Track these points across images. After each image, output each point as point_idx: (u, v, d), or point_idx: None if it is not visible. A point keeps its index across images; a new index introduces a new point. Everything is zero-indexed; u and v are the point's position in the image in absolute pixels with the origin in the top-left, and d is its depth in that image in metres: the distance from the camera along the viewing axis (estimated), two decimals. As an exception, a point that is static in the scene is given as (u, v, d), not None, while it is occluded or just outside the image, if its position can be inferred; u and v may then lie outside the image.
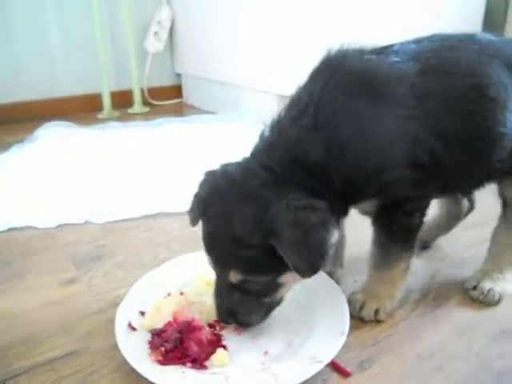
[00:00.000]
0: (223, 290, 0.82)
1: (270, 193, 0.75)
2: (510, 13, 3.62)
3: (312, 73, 0.86)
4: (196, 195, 0.85)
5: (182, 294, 0.94)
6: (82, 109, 2.74)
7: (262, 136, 0.85)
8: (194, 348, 0.80)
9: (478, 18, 3.11)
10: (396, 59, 0.84)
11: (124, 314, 0.89)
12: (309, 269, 0.75)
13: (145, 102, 2.89)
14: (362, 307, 0.94)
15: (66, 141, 2.11)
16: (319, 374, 0.80)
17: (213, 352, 0.81)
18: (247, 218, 0.75)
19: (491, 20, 3.85)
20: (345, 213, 0.88)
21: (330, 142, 0.78)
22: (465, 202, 1.19)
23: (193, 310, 0.88)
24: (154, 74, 2.97)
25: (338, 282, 1.05)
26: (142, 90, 2.88)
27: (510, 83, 0.88)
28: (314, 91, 0.82)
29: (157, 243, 1.29)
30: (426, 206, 0.89)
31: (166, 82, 3.05)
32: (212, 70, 2.69)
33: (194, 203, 0.85)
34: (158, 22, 2.83)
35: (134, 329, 0.86)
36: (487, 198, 1.08)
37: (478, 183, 0.99)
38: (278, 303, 0.86)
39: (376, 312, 0.93)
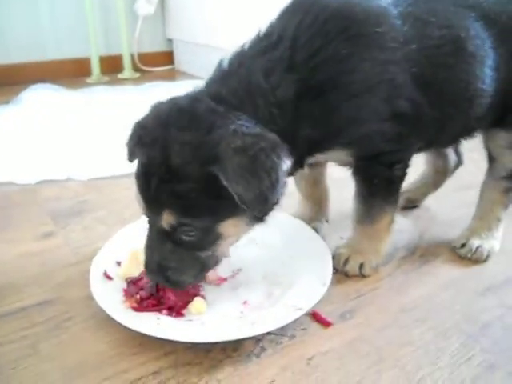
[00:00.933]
0: (154, 240, 0.72)
1: (216, 117, 0.67)
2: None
3: (285, 8, 0.80)
4: (136, 123, 0.75)
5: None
6: (70, 73, 2.68)
7: (218, 67, 0.77)
8: (170, 296, 0.78)
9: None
10: (374, 2, 0.80)
11: (100, 264, 0.86)
12: (258, 200, 0.64)
13: (135, 68, 2.83)
14: (346, 261, 0.91)
15: (51, 102, 2.05)
16: (299, 323, 0.78)
17: (190, 301, 0.79)
18: (185, 143, 0.66)
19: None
20: (301, 164, 0.81)
21: (304, 84, 0.73)
22: (452, 156, 1.16)
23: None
24: (145, 38, 2.89)
25: (323, 238, 1.03)
26: (132, 55, 2.81)
27: (487, 37, 0.85)
28: (288, 26, 0.75)
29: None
30: (407, 157, 0.86)
31: (157, 47, 2.98)
32: (205, 36, 2.61)
33: (132, 133, 0.75)
34: (150, -16, 2.74)
35: (109, 278, 0.84)
36: (478, 161, 1.06)
37: (459, 136, 0.97)
38: (216, 261, 0.76)
39: (361, 266, 0.91)
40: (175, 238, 0.70)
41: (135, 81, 2.71)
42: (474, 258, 0.97)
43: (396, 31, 0.78)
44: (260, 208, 0.67)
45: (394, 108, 0.78)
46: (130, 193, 1.29)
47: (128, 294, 0.79)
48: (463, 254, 0.98)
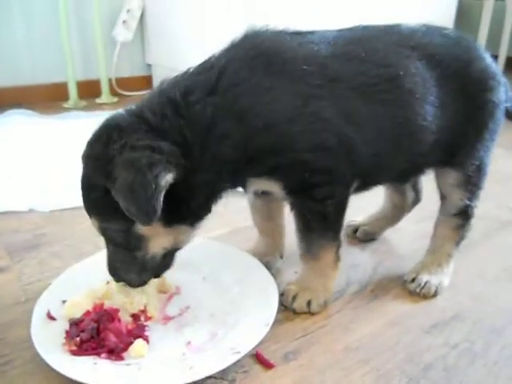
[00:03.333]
0: (105, 244, 0.82)
1: (116, 132, 0.73)
2: (484, 13, 3.64)
3: (230, 42, 0.84)
4: None
5: (108, 282, 0.90)
6: (47, 98, 2.67)
7: (160, 83, 0.82)
8: (111, 338, 0.77)
9: (450, 17, 3.12)
10: (311, 40, 0.83)
11: (44, 304, 0.85)
12: (139, 213, 0.70)
13: (113, 92, 2.83)
14: (294, 298, 0.91)
15: (24, 129, 2.05)
16: (241, 365, 0.78)
17: (132, 343, 0.78)
18: (89, 157, 0.75)
19: (465, 19, 3.87)
20: (233, 184, 0.84)
21: (225, 109, 0.76)
22: (410, 193, 1.17)
23: (117, 299, 0.85)
24: (124, 63, 2.91)
25: (277, 273, 1.04)
26: (110, 80, 2.82)
27: (431, 76, 0.87)
28: (222, 57, 0.81)
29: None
30: (340, 193, 0.85)
31: (136, 72, 2.99)
32: (183, 61, 2.62)
33: None
34: (128, 11, 2.77)
35: (52, 318, 0.83)
36: (434, 192, 1.07)
37: (406, 173, 0.98)
38: (153, 260, 0.81)
39: (308, 303, 0.91)
40: (111, 240, 0.80)
41: (113, 105, 2.72)
42: (423, 293, 0.97)
43: (325, 69, 0.81)
44: (143, 220, 0.71)
45: (318, 141, 0.80)
46: (92, 225, 1.32)
47: (69, 336, 0.78)
48: (412, 288, 0.98)
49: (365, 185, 0.93)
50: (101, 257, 0.99)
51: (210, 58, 0.83)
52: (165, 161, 0.71)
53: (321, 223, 0.86)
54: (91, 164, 0.75)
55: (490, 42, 3.70)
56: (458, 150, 0.93)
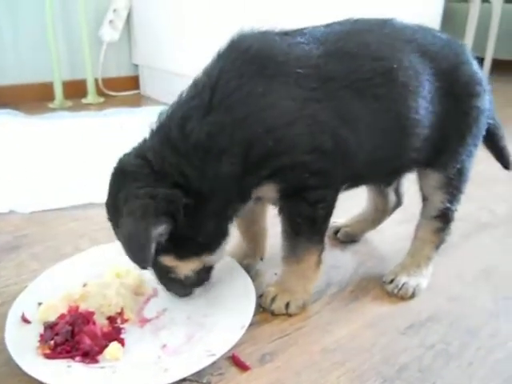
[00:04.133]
0: None
1: (123, 179, 0.78)
2: (470, 16, 3.67)
3: (216, 53, 0.83)
4: None
5: (84, 285, 0.90)
6: (32, 97, 2.65)
7: (157, 118, 0.82)
8: (85, 341, 0.77)
9: (436, 19, 3.14)
10: (301, 40, 0.81)
11: (20, 306, 0.84)
12: (134, 259, 0.75)
13: (100, 93, 2.82)
14: (273, 300, 0.91)
15: (6, 129, 2.03)
16: (217, 367, 0.78)
17: (107, 345, 0.78)
18: (108, 205, 0.82)
19: (451, 22, 3.90)
20: (242, 199, 0.84)
21: (220, 123, 0.76)
22: (392, 197, 1.18)
23: (93, 302, 0.84)
24: (110, 63, 2.90)
25: (256, 275, 1.04)
26: (97, 80, 2.80)
27: (423, 70, 0.87)
28: (212, 73, 0.79)
29: (80, 234, 1.24)
30: (331, 196, 0.86)
31: (123, 72, 2.98)
32: (170, 62, 2.63)
33: None
34: (114, 10, 2.76)
35: (27, 321, 0.82)
36: (417, 194, 1.08)
37: (394, 173, 0.99)
38: (188, 279, 0.86)
39: (287, 305, 0.91)
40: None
41: (99, 106, 2.70)
42: (400, 295, 0.98)
43: (319, 71, 0.80)
44: (138, 265, 0.76)
45: (316, 143, 0.79)
46: (74, 226, 1.31)
47: (43, 339, 0.78)
48: (390, 289, 0.99)
49: (353, 185, 0.93)
50: (78, 259, 1.00)
51: (201, 75, 0.81)
52: (159, 212, 0.73)
53: (309, 227, 0.86)
54: (109, 204, 0.81)
55: (476, 45, 3.74)
56: (442, 151, 0.93)
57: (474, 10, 3.58)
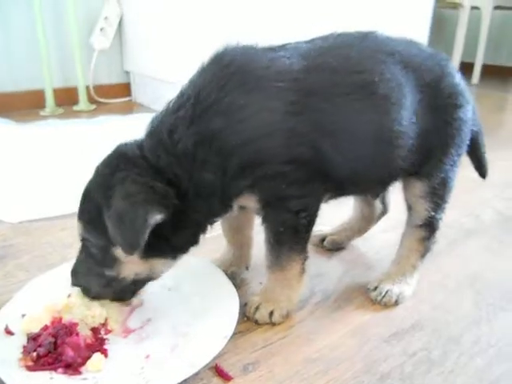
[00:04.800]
0: (80, 248, 0.87)
1: (124, 162, 0.80)
2: (460, 22, 3.71)
3: (200, 66, 0.85)
4: None
5: (69, 296, 0.90)
6: (23, 105, 2.65)
7: (150, 122, 0.86)
8: (69, 353, 0.77)
9: (425, 25, 3.17)
10: (282, 55, 0.83)
11: (3, 318, 0.84)
12: (123, 243, 0.75)
13: (91, 100, 2.82)
14: (257, 309, 0.92)
15: (-3, 137, 2.03)
16: (199, 378, 0.78)
17: (90, 356, 0.78)
18: (98, 175, 0.82)
19: (441, 28, 3.94)
20: (224, 208, 0.86)
21: (200, 134, 0.79)
22: (378, 205, 1.19)
23: (77, 313, 0.84)
24: (102, 71, 2.90)
25: (242, 284, 1.04)
26: (88, 88, 2.81)
27: (406, 82, 0.88)
28: (195, 85, 0.82)
29: (68, 243, 1.24)
30: (312, 205, 0.87)
31: (114, 79, 2.99)
32: (161, 69, 2.64)
33: None
34: (105, 18, 2.77)
35: (10, 333, 0.82)
36: (402, 202, 1.08)
37: (379, 184, 0.99)
38: (122, 283, 0.84)
39: (271, 314, 0.91)
40: (87, 250, 0.84)
41: (91, 113, 2.71)
42: (383, 302, 0.99)
43: (299, 85, 0.81)
44: (125, 249, 0.75)
45: (294, 154, 0.81)
46: (62, 235, 1.31)
47: (26, 351, 0.78)
48: (373, 297, 1.00)
49: (338, 195, 0.95)
50: (63, 270, 0.99)
51: (186, 86, 0.84)
52: (157, 201, 0.75)
53: (292, 236, 0.87)
54: (97, 181, 0.81)
55: (466, 51, 3.78)
56: (426, 161, 0.94)
57: (464, 16, 3.62)
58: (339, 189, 0.92)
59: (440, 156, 0.95)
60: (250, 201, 0.85)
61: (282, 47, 0.86)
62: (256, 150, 0.79)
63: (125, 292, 0.87)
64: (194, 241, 0.86)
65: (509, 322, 0.96)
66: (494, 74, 4.10)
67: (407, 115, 0.87)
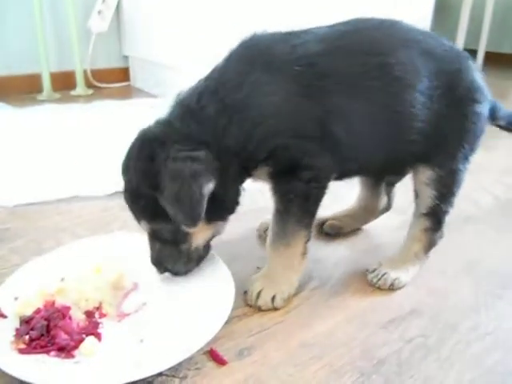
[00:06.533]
0: (150, 241, 0.90)
1: (157, 145, 0.81)
2: (463, 8, 3.66)
3: (229, 52, 0.90)
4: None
5: (62, 279, 0.89)
6: (20, 89, 2.63)
7: (177, 95, 0.89)
8: (61, 336, 0.76)
9: (428, 11, 3.13)
10: (303, 40, 0.87)
11: (-5, 300, 0.83)
12: (185, 219, 0.79)
13: (89, 84, 2.80)
14: (258, 295, 0.91)
15: (-7, 121, 2.01)
16: (193, 362, 0.77)
17: (84, 340, 0.77)
18: (138, 171, 0.83)
19: (444, 14, 3.88)
20: (245, 176, 0.90)
21: (223, 102, 0.83)
22: (383, 200, 1.18)
23: (70, 297, 0.84)
24: (100, 55, 2.87)
25: (241, 270, 1.03)
26: (86, 72, 2.78)
27: (423, 67, 0.88)
28: (223, 65, 0.89)
29: (62, 228, 1.23)
30: (323, 177, 0.88)
31: (113, 63, 2.96)
32: (160, 53, 2.61)
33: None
34: (103, 1, 2.73)
35: (3, 316, 0.81)
36: (405, 189, 1.08)
37: (389, 167, 1.00)
38: (196, 251, 0.90)
39: (273, 299, 0.91)
40: (159, 238, 0.88)
41: (88, 98, 2.68)
42: (378, 285, 0.98)
43: (315, 69, 0.85)
44: (189, 224, 0.80)
45: (305, 131, 0.85)
46: (57, 219, 1.30)
47: (18, 334, 0.77)
48: (370, 278, 1.00)
49: (348, 173, 0.97)
50: (56, 253, 0.99)
51: (213, 69, 0.90)
52: (204, 170, 0.79)
53: (301, 206, 0.88)
54: (139, 177, 0.82)
55: (469, 38, 3.73)
56: (437, 150, 0.94)
57: (467, 2, 3.56)
58: (350, 167, 0.94)
59: (452, 147, 0.95)
60: (263, 173, 0.88)
61: (304, 32, 0.89)
62: (271, 124, 0.83)
63: (203, 254, 0.93)
64: (237, 201, 0.90)
65: (506, 309, 0.95)
66: (497, 61, 4.05)
67: (421, 99, 0.88)
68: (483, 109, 0.95)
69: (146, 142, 0.84)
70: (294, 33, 0.90)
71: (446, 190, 0.98)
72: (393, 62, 0.86)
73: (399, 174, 1.10)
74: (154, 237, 0.89)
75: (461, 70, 0.93)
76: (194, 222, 0.79)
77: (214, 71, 0.89)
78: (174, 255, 0.89)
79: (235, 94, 0.83)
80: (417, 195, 1.01)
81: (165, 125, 0.85)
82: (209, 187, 0.79)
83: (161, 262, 0.90)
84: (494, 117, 1.00)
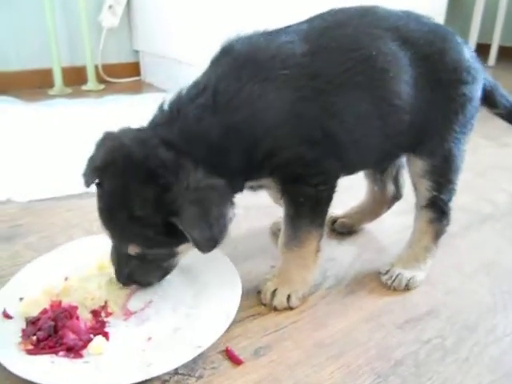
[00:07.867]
0: (121, 257, 0.83)
1: (171, 174, 0.75)
2: (477, 2, 3.60)
3: (211, 59, 0.87)
4: (91, 159, 0.83)
5: (66, 279, 0.89)
6: (32, 84, 2.64)
7: (160, 109, 0.84)
8: (70, 336, 0.75)
9: (442, 4, 3.08)
10: (287, 41, 0.84)
11: (0, 302, 0.82)
12: (209, 243, 0.76)
13: (100, 79, 2.79)
14: (273, 295, 0.90)
15: (4, 117, 2.02)
16: (209, 361, 0.77)
17: (91, 339, 0.76)
18: (147, 199, 0.74)
19: (457, 8, 3.83)
20: (241, 189, 0.88)
21: (227, 124, 0.80)
22: (390, 189, 1.16)
23: (75, 296, 0.83)
24: (110, 50, 2.87)
25: (253, 269, 1.02)
26: (97, 67, 2.77)
27: (403, 56, 0.87)
28: (211, 76, 0.83)
29: (74, 224, 1.23)
30: (330, 179, 0.88)
31: (123, 58, 2.95)
32: (171, 48, 2.60)
33: (88, 168, 0.83)
34: (114, -4, 2.72)
35: (8, 317, 0.80)
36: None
37: (383, 159, 0.99)
38: (174, 266, 0.88)
39: (288, 298, 0.90)
40: (140, 258, 0.82)
41: (99, 92, 2.68)
42: (393, 286, 0.97)
43: (304, 70, 0.83)
44: (210, 248, 0.77)
45: (308, 137, 0.83)
46: (69, 215, 1.30)
47: (25, 335, 0.76)
48: (384, 280, 0.99)
49: (350, 171, 0.96)
50: (59, 253, 0.98)
51: (200, 77, 0.85)
52: (228, 198, 0.79)
53: (312, 208, 0.87)
54: (149, 206, 0.74)
55: (482, 32, 3.68)
56: (426, 138, 0.92)
57: (481, -5, 3.51)
58: (350, 165, 0.93)
59: (442, 133, 0.92)
60: (268, 182, 0.88)
61: (284, 31, 0.87)
62: (274, 138, 0.82)
63: (174, 266, 0.89)
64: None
65: (525, 310, 0.93)
66: (511, 55, 3.99)
67: (406, 89, 0.87)
68: (473, 89, 0.91)
69: (153, 167, 0.75)
70: (275, 32, 0.88)
71: (442, 179, 0.95)
72: (374, 55, 0.85)
73: (392, 163, 1.10)
74: (133, 257, 0.82)
75: (444, 50, 0.89)
76: (216, 244, 0.77)
77: (202, 85, 0.82)
78: (152, 270, 0.86)
79: (236, 115, 0.80)
80: (414, 187, 0.99)
81: (168, 146, 0.77)
82: (234, 212, 0.79)
83: (132, 278, 0.85)
84: (491, 101, 0.97)
